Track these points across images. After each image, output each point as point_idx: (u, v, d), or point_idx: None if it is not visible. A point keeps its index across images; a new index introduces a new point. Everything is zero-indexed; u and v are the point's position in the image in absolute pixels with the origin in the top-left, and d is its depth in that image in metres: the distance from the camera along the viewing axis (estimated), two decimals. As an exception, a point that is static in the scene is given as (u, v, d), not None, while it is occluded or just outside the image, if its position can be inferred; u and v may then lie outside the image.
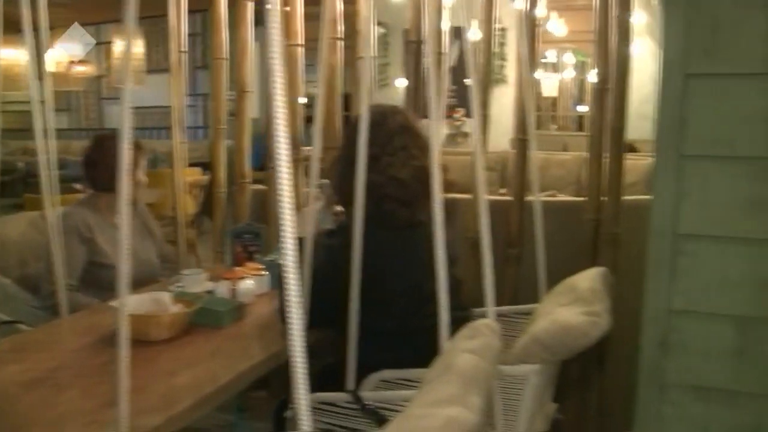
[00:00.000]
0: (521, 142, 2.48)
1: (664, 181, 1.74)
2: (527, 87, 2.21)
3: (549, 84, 7.70)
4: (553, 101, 7.99)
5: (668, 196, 1.74)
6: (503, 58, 6.81)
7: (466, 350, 1.25)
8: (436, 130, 1.47)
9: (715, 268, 1.74)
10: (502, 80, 6.65)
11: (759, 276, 1.71)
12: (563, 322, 1.65)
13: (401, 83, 7.02)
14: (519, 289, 2.41)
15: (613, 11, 2.48)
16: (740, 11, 1.66)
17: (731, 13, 1.67)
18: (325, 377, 1.92)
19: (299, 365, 0.97)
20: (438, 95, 1.67)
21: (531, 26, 2.56)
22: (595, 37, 2.49)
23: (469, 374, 1.18)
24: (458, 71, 2.74)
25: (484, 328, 1.35)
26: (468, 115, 6.59)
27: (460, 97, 6.15)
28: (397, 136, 1.89)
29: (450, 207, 2.23)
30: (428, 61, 2.20)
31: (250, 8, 3.01)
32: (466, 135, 7.23)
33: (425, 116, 2.67)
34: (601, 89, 2.43)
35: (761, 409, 1.74)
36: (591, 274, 1.94)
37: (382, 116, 1.91)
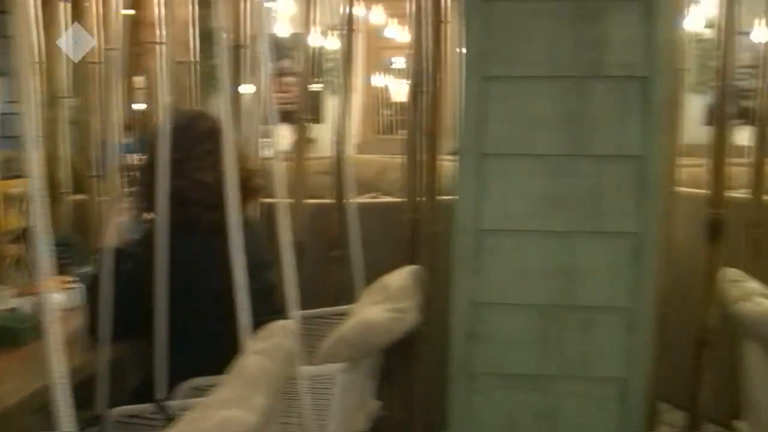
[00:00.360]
0: (338, 146, 2.51)
1: (467, 179, 1.82)
2: (347, 92, 2.24)
3: (398, 89, 7.85)
4: (403, 106, 8.12)
5: (471, 194, 1.81)
6: (349, 65, 6.85)
7: (255, 352, 1.25)
8: (230, 131, 1.45)
9: (516, 261, 1.83)
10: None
11: (557, 266, 1.82)
12: (367, 320, 1.69)
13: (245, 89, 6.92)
14: (344, 291, 2.44)
15: (428, 17, 2.56)
16: (532, 19, 1.77)
17: (524, 21, 1.78)
18: (142, 389, 1.86)
19: (58, 375, 0.94)
20: (228, 99, 1.66)
21: (350, 32, 2.60)
22: (411, 42, 2.57)
23: (253, 375, 1.18)
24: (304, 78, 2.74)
25: (279, 329, 1.36)
26: (315, 120, 6.62)
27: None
28: (204, 140, 1.86)
29: (266, 211, 2.23)
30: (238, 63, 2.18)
31: (62, 9, 2.86)
32: (309, 141, 7.24)
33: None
34: (414, 92, 2.51)
35: (561, 390, 1.85)
36: (403, 273, 1.99)
37: (188, 120, 1.88)
